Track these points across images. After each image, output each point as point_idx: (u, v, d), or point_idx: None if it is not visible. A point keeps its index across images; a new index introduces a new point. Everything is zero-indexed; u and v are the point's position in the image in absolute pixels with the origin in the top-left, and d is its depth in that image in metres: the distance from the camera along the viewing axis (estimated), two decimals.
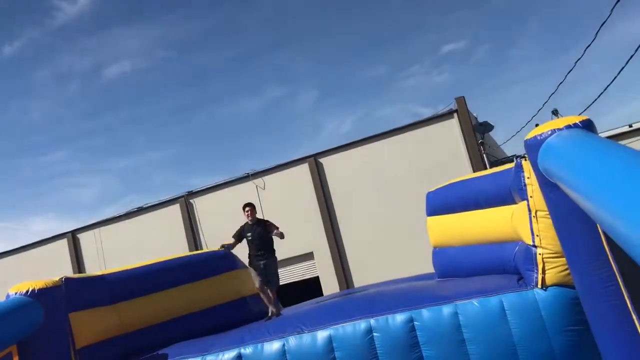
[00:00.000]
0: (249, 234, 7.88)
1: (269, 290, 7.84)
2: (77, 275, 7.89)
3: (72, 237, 21.34)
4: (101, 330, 7.03)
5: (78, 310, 6.69)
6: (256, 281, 7.86)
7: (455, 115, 17.11)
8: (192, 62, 49.24)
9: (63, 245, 21.51)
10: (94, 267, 19.92)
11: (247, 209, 7.98)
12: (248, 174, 19.02)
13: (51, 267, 19.21)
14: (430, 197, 7.97)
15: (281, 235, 7.73)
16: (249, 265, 8.07)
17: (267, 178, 18.63)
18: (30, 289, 6.05)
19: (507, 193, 6.07)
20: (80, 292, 6.91)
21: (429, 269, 8.48)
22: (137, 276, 7.84)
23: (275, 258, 7.96)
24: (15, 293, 6.05)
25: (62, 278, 6.62)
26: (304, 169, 18.54)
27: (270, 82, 51.22)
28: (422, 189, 8.71)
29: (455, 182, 7.47)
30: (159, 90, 48.77)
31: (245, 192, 18.34)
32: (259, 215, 8.24)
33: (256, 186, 18.39)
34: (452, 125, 17.18)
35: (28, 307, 5.91)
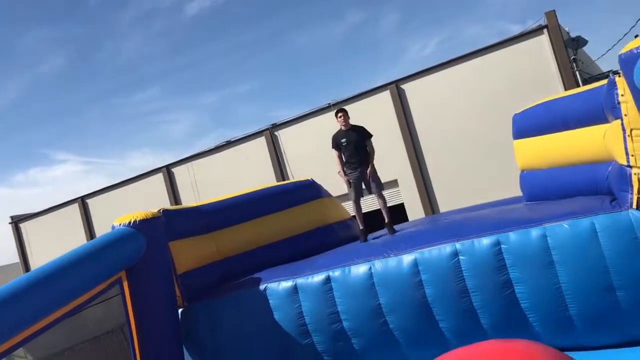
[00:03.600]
0: (343, 140, 7.62)
1: (379, 199, 7.74)
2: (174, 207, 8.35)
3: (167, 171, 22.47)
4: (199, 257, 7.46)
5: (177, 239, 7.07)
6: (351, 195, 7.68)
7: (545, 31, 16.16)
8: None
9: (159, 179, 22.73)
10: (188, 199, 21.01)
11: (339, 114, 7.69)
12: (330, 104, 19.05)
13: (149, 200, 20.47)
14: (517, 119, 7.70)
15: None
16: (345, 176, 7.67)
17: (349, 107, 18.48)
18: (132, 221, 6.42)
19: (599, 112, 5.77)
20: (178, 222, 7.26)
21: (517, 192, 8.33)
22: (230, 206, 8.17)
23: (372, 165, 7.60)
24: (120, 224, 6.46)
25: (160, 209, 6.94)
26: (385, 96, 18.33)
27: (350, 7, 50.11)
28: (510, 111, 8.42)
29: (542, 102, 7.16)
30: (239, 23, 49.09)
31: (328, 121, 18.44)
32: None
33: None
34: (542, 42, 16.27)
35: (132, 237, 6.33)
